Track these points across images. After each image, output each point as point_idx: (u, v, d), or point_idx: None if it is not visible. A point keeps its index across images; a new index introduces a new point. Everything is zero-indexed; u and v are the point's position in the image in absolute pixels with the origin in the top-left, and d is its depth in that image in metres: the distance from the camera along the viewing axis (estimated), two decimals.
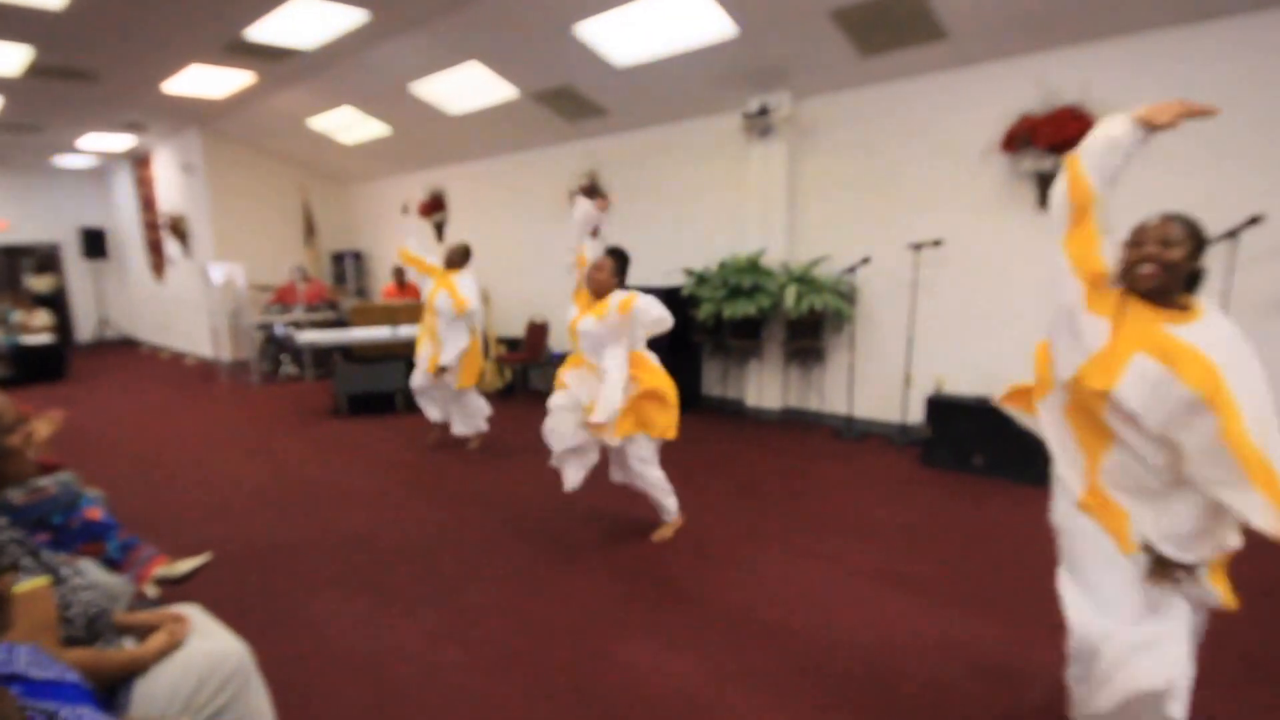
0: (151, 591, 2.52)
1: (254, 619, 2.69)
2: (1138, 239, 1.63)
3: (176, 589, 2.61)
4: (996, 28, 4.23)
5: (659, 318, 3.13)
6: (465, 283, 4.83)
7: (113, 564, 2.46)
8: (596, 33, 5.24)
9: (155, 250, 11.47)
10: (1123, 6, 3.84)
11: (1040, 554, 2.20)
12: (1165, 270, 1.57)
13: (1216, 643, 2.48)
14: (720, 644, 2.54)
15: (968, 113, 4.67)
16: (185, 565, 2.63)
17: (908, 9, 4.24)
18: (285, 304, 8.97)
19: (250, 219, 9.91)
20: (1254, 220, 3.49)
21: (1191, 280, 1.61)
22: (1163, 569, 1.65)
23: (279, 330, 8.80)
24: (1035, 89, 4.28)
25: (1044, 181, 4.34)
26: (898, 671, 2.36)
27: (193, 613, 1.84)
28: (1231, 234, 3.53)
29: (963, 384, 4.80)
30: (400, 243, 5.12)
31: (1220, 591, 1.70)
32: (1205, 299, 1.61)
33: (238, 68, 6.72)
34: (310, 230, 10.34)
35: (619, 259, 3.24)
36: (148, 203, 11.29)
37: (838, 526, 3.63)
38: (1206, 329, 1.54)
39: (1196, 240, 1.60)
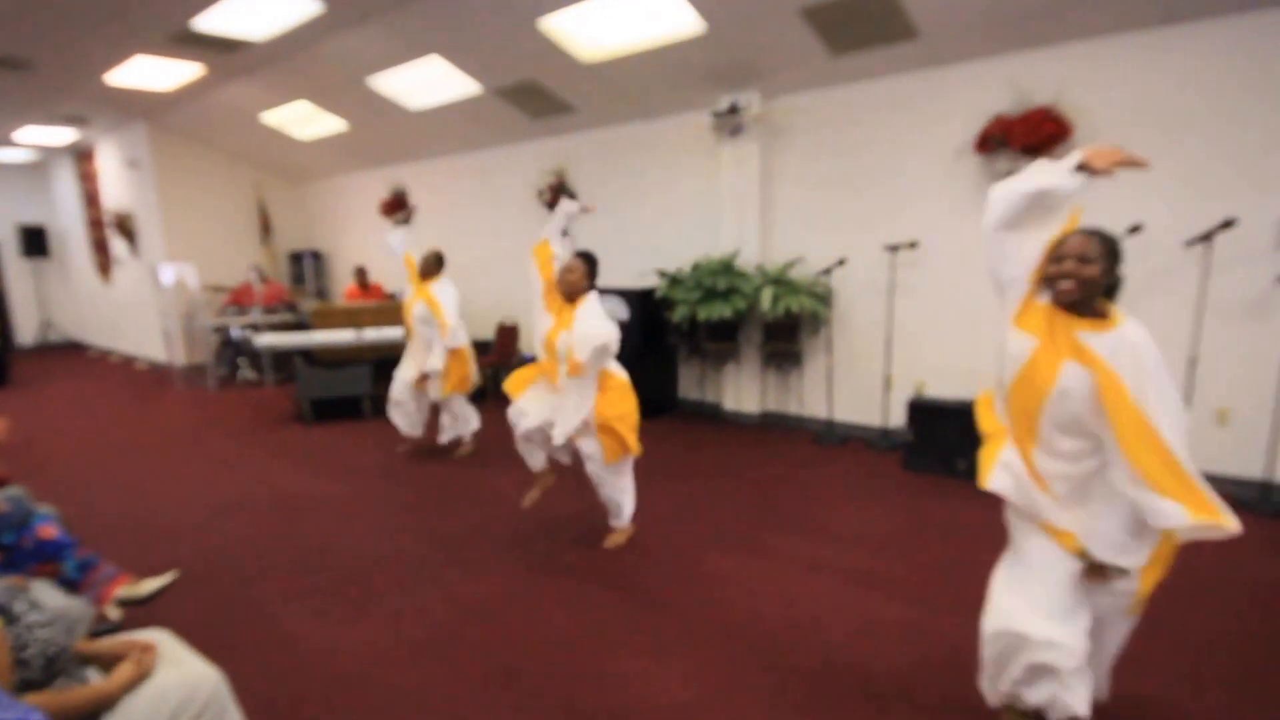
0: (113, 613, 2.38)
1: (226, 640, 2.57)
2: (1058, 254, 1.73)
3: (141, 610, 2.48)
4: (968, 27, 4.25)
5: (602, 345, 3.10)
6: (445, 293, 4.74)
7: (70, 584, 2.33)
8: (561, 27, 5.14)
9: (101, 249, 10.97)
10: (1095, 8, 3.88)
11: None
12: (1083, 285, 1.68)
13: (1211, 643, 2.55)
14: (709, 654, 2.51)
15: (941, 113, 4.68)
16: (149, 585, 2.49)
17: (878, 7, 4.24)
18: (241, 306, 8.66)
19: (202, 217, 9.51)
20: (1227, 224, 3.56)
21: (1110, 290, 1.73)
22: (1097, 570, 1.74)
23: (235, 333, 8.51)
24: (1008, 90, 4.30)
25: None
26: (891, 676, 2.36)
27: (161, 639, 1.74)
28: (1205, 237, 3.61)
29: (942, 386, 4.82)
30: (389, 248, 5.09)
31: (1142, 591, 1.77)
32: (1121, 308, 1.72)
33: (185, 59, 6.42)
34: (266, 229, 10.04)
35: (589, 262, 3.34)
36: (92, 199, 10.79)
37: (822, 532, 3.61)
38: (1118, 339, 1.64)
39: (1112, 255, 1.72)
